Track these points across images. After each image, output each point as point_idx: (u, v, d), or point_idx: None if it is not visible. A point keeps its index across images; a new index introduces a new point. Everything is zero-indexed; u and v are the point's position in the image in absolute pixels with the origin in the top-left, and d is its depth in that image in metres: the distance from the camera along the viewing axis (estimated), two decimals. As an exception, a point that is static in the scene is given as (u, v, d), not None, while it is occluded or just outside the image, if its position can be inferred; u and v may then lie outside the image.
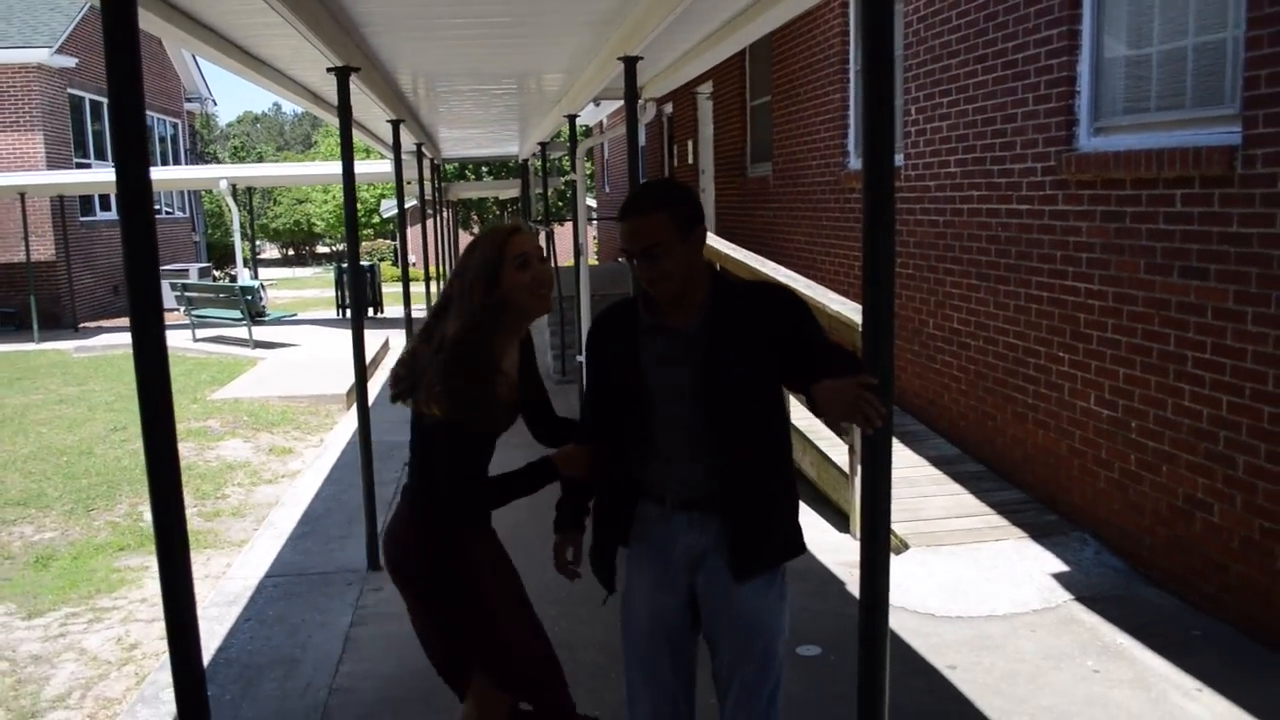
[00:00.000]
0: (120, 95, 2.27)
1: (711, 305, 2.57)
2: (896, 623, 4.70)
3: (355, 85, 5.82)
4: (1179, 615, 4.82)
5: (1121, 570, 5.32)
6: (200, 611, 5.27)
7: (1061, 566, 5.35)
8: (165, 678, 4.52)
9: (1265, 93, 4.35)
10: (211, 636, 4.90)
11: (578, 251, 8.88)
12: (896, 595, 4.96)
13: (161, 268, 20.07)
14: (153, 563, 6.37)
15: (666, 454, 2.63)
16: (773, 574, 2.64)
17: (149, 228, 2.32)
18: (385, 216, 35.55)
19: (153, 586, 5.89)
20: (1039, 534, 5.75)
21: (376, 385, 12.29)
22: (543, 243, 13.76)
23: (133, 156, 2.29)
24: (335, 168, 14.91)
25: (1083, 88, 5.69)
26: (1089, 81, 5.65)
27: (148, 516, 7.22)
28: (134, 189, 2.29)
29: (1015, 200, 6.30)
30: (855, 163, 8.92)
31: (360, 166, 23.57)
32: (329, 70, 5.49)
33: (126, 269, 2.30)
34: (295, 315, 18.54)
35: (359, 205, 46.95)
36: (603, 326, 2.77)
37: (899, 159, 7.85)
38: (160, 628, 5.28)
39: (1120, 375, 5.37)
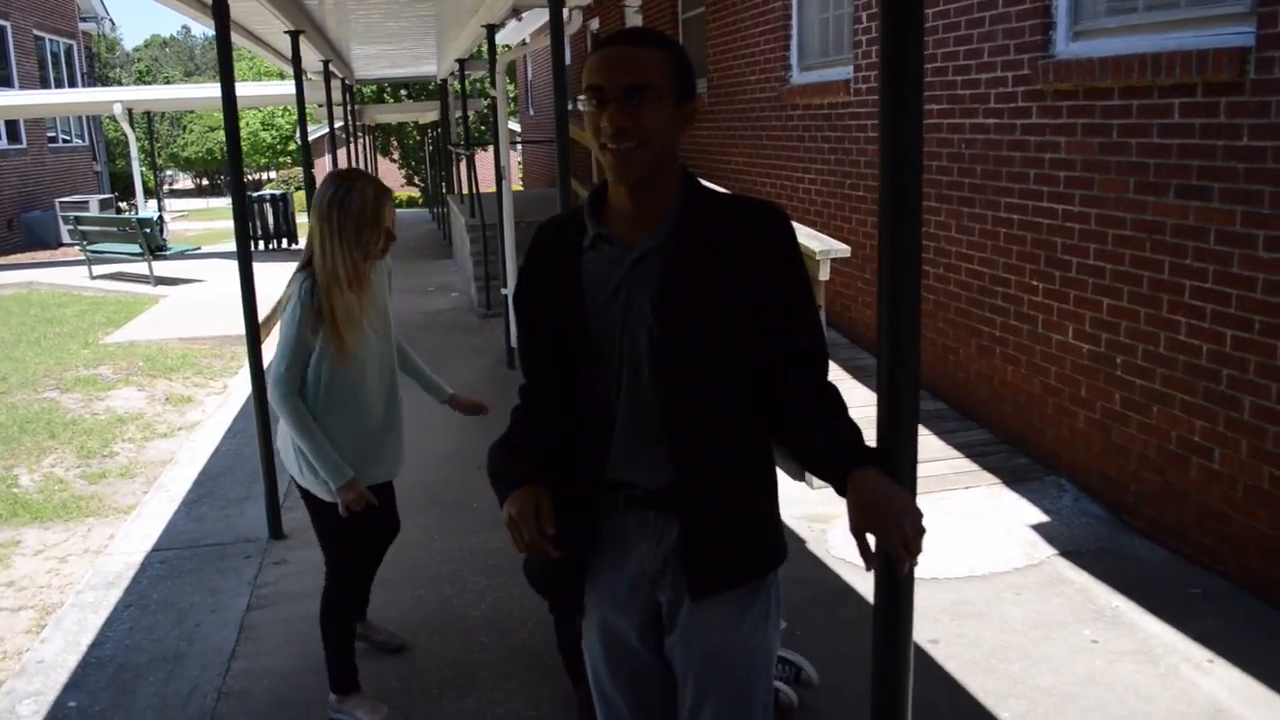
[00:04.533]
0: None
1: (680, 215, 1.86)
2: (863, 587, 4.20)
3: (236, -16, 5.02)
4: (1173, 571, 4.37)
5: (1105, 519, 4.86)
6: (74, 598, 4.61)
7: (1040, 516, 4.89)
8: (25, 686, 3.87)
9: (1285, -17, 3.80)
10: (84, 629, 4.23)
11: (499, 176, 8.15)
12: (857, 555, 4.46)
13: (59, 200, 18.58)
14: (24, 536, 5.65)
15: (616, 427, 1.91)
16: (750, 590, 1.97)
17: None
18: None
19: (23, 566, 5.18)
20: (1011, 480, 5.29)
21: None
22: (464, 169, 12.97)
23: None
24: (239, 90, 13.62)
25: (1061, -15, 5.10)
26: (1068, -22, 5.06)
27: (23, 480, 6.48)
28: None
29: (982, 114, 5.71)
30: (799, 76, 8.26)
31: (265, 88, 22.31)
32: (201, -36, 4.69)
33: None
34: (199, 249, 17.40)
35: (274, 132, 44.81)
36: (538, 245, 2.02)
37: (848, 71, 7.22)
38: (27, 618, 4.60)
39: (1104, 306, 4.86)
